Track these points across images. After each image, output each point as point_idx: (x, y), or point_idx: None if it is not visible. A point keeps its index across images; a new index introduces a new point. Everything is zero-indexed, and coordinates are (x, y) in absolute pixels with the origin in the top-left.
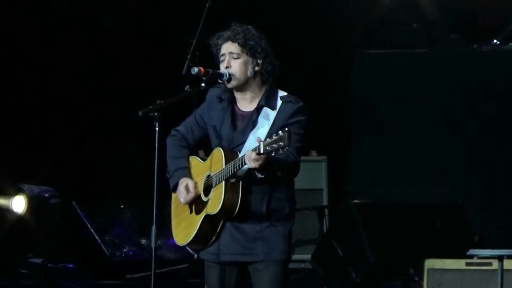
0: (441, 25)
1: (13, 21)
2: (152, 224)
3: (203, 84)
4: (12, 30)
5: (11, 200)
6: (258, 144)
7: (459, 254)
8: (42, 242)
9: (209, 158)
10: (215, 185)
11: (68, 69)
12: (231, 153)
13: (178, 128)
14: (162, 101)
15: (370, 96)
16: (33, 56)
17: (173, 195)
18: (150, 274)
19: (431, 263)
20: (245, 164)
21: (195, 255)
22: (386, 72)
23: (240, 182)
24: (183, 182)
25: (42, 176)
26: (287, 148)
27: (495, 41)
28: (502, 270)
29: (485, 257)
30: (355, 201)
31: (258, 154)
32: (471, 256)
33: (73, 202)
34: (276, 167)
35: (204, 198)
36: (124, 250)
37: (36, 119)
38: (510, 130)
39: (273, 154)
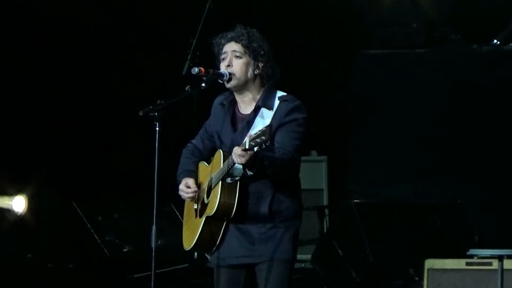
0: (441, 25)
1: (13, 21)
2: (152, 224)
3: (203, 84)
4: (12, 30)
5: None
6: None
7: (459, 254)
8: (42, 242)
9: (212, 161)
10: (214, 186)
11: (68, 69)
12: (230, 154)
13: (192, 140)
14: (162, 101)
15: (370, 96)
16: (33, 56)
17: (186, 201)
18: (150, 274)
19: (431, 263)
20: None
21: (195, 255)
22: (386, 72)
23: (238, 182)
24: (183, 181)
25: (42, 176)
26: (267, 143)
27: (495, 41)
28: (502, 270)
29: (485, 257)
30: (355, 201)
31: (244, 149)
32: (471, 256)
33: (73, 202)
34: (266, 164)
35: (206, 200)
36: (124, 250)
37: (36, 119)
38: (510, 130)
39: (255, 150)
